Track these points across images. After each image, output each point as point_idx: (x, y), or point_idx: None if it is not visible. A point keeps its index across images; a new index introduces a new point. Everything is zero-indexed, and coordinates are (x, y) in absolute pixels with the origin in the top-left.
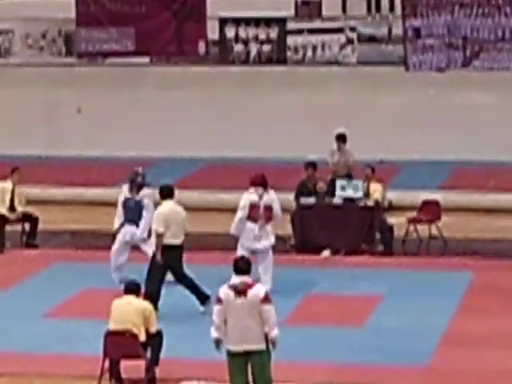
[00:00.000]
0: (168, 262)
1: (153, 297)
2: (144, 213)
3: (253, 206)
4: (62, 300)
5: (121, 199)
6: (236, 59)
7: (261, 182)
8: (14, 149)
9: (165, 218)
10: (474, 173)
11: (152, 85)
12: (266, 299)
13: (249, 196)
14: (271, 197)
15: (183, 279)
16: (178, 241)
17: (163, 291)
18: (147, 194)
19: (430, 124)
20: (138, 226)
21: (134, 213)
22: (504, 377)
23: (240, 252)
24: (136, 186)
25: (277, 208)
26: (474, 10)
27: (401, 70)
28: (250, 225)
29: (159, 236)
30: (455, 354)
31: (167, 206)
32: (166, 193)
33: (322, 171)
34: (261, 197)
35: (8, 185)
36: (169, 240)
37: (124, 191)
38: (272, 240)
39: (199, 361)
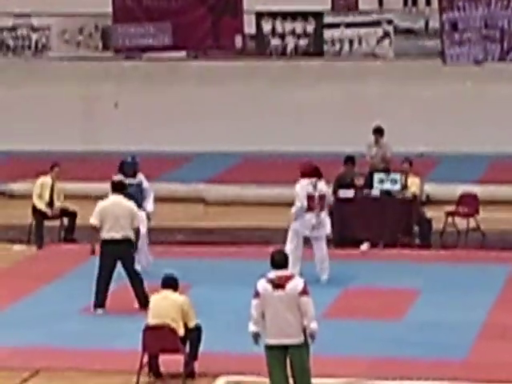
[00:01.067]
0: (108, 255)
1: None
2: (146, 193)
3: (309, 197)
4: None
5: None
6: (273, 53)
7: (314, 173)
8: (52, 144)
9: (101, 210)
10: None
11: (189, 79)
12: (304, 292)
13: (304, 187)
14: (324, 186)
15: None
16: (117, 235)
17: (203, 286)
18: (143, 177)
19: (467, 117)
20: (141, 207)
21: (137, 196)
22: None
23: (293, 240)
24: (132, 172)
25: (329, 196)
26: (511, 3)
27: (438, 63)
28: (308, 215)
29: (92, 228)
30: (493, 347)
31: (110, 199)
32: (113, 187)
33: (360, 164)
34: (315, 187)
35: (48, 180)
36: (107, 234)
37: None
38: (329, 228)
39: (238, 355)
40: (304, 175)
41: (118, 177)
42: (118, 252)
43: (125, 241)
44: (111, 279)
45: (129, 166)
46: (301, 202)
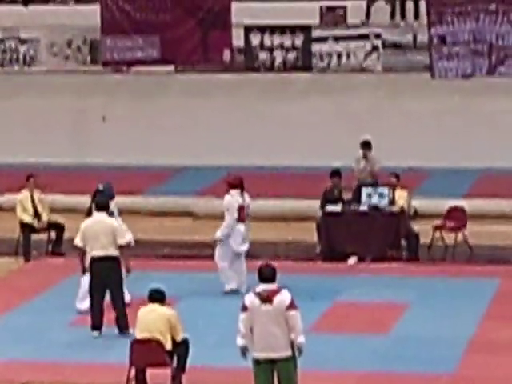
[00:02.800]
0: (93, 276)
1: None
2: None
3: (241, 208)
4: (88, 308)
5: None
6: (261, 67)
7: (241, 184)
8: (40, 157)
9: (84, 230)
10: (500, 180)
11: (177, 93)
12: (292, 306)
13: (235, 199)
14: (247, 197)
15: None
16: (99, 253)
17: (190, 300)
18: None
19: (455, 131)
20: None
21: None
22: None
23: (226, 256)
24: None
25: (250, 207)
26: (499, 17)
27: (426, 77)
28: (239, 226)
29: (78, 249)
30: (482, 361)
31: (92, 218)
32: (97, 205)
33: (348, 178)
34: (243, 198)
35: (26, 193)
36: (90, 253)
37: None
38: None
39: (225, 368)
40: (233, 187)
41: (101, 196)
42: (102, 271)
43: (107, 259)
44: (103, 298)
45: (103, 195)
46: (232, 216)
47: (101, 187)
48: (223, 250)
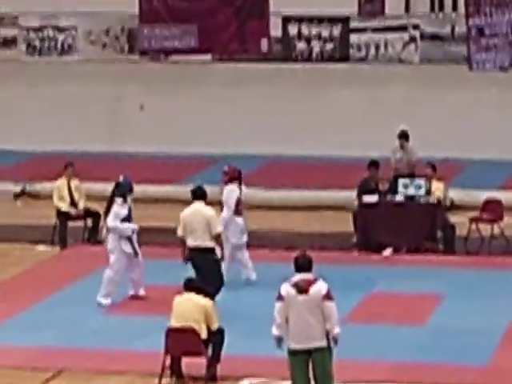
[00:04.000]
0: (194, 264)
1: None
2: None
3: (239, 200)
4: (124, 296)
5: (123, 213)
6: (298, 57)
7: (239, 176)
8: (77, 145)
9: (183, 220)
10: None
11: (214, 82)
12: (328, 296)
13: (234, 192)
14: (245, 189)
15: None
16: (198, 243)
17: (226, 290)
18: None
19: (492, 123)
20: None
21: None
22: None
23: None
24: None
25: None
26: None
27: (464, 69)
28: (238, 219)
29: (179, 239)
30: None
31: (190, 208)
32: (195, 194)
33: (385, 169)
34: (240, 190)
35: (63, 181)
36: (190, 243)
37: (120, 206)
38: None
39: (260, 358)
40: (233, 179)
41: (197, 183)
42: (197, 260)
43: (201, 249)
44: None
45: (123, 186)
46: (230, 208)
47: (121, 179)
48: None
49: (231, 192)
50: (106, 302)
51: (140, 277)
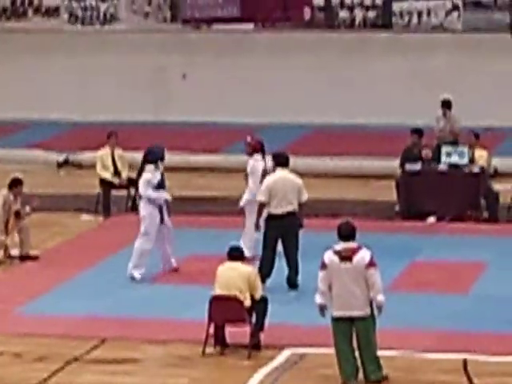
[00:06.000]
0: (271, 231)
1: (263, 265)
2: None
3: (264, 172)
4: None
5: (155, 180)
6: (341, 25)
7: (262, 148)
8: (121, 115)
9: (268, 187)
10: None
11: (257, 51)
12: (372, 264)
13: (259, 163)
14: (269, 161)
15: (289, 253)
16: (280, 210)
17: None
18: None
19: None
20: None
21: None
22: None
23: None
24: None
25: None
26: None
27: (507, 37)
28: None
29: (260, 205)
30: None
31: (276, 174)
32: (278, 161)
33: (428, 137)
34: (265, 162)
35: (107, 150)
36: (271, 210)
37: (153, 173)
38: None
39: (304, 327)
40: (257, 150)
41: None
42: (284, 226)
43: (290, 214)
44: (275, 253)
45: (156, 153)
46: (257, 180)
47: (152, 148)
48: (251, 215)
49: (256, 163)
50: (138, 275)
51: (170, 248)
